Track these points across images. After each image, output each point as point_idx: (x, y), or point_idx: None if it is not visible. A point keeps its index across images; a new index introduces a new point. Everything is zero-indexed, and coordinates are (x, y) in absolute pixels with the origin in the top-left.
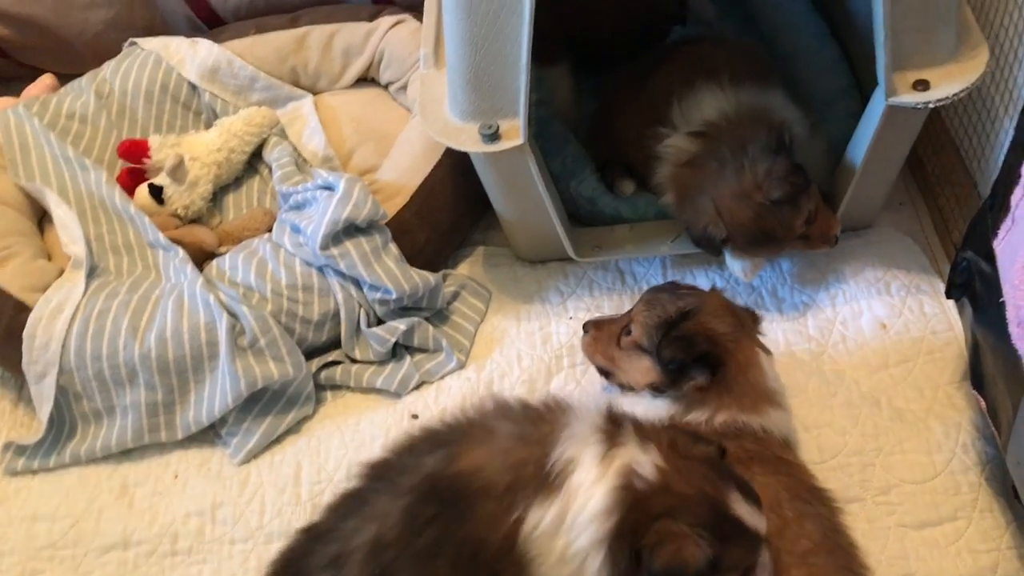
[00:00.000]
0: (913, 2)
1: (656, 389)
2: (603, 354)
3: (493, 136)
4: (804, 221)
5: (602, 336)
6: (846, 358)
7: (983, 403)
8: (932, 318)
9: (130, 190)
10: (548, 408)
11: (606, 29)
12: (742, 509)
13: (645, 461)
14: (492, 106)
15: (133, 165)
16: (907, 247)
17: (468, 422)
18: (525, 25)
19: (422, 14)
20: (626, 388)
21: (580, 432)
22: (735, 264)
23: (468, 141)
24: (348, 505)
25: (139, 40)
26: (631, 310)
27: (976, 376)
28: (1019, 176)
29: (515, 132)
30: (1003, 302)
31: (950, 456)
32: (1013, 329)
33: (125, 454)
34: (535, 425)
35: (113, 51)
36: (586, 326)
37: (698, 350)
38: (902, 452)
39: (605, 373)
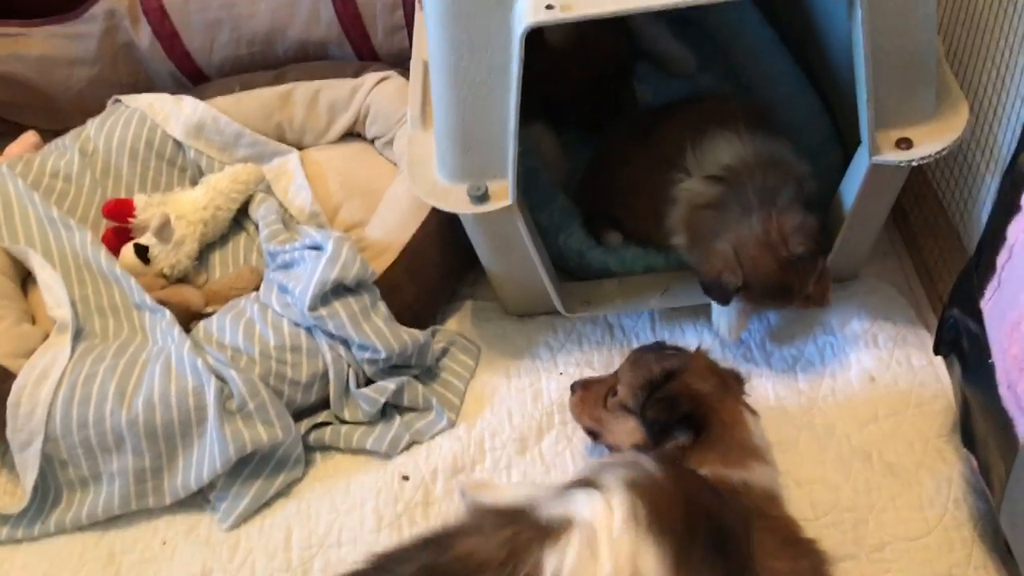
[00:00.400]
0: (894, 63)
1: (640, 449)
2: (590, 415)
3: (482, 197)
4: (815, 280)
5: (589, 397)
6: (836, 411)
7: (975, 462)
8: (920, 370)
9: (115, 250)
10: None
11: (566, 91)
12: None
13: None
14: (480, 167)
15: (118, 224)
16: (893, 298)
17: (457, 523)
18: (513, 89)
19: (407, 71)
20: (614, 448)
21: (560, 496)
22: (721, 322)
23: (457, 202)
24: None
25: (123, 97)
26: (618, 370)
27: (967, 434)
28: (1004, 238)
29: (504, 193)
30: (992, 363)
31: (942, 512)
32: (1003, 392)
33: (112, 521)
34: (517, 512)
35: (97, 107)
36: (573, 387)
37: (681, 411)
38: (895, 508)
39: (593, 434)
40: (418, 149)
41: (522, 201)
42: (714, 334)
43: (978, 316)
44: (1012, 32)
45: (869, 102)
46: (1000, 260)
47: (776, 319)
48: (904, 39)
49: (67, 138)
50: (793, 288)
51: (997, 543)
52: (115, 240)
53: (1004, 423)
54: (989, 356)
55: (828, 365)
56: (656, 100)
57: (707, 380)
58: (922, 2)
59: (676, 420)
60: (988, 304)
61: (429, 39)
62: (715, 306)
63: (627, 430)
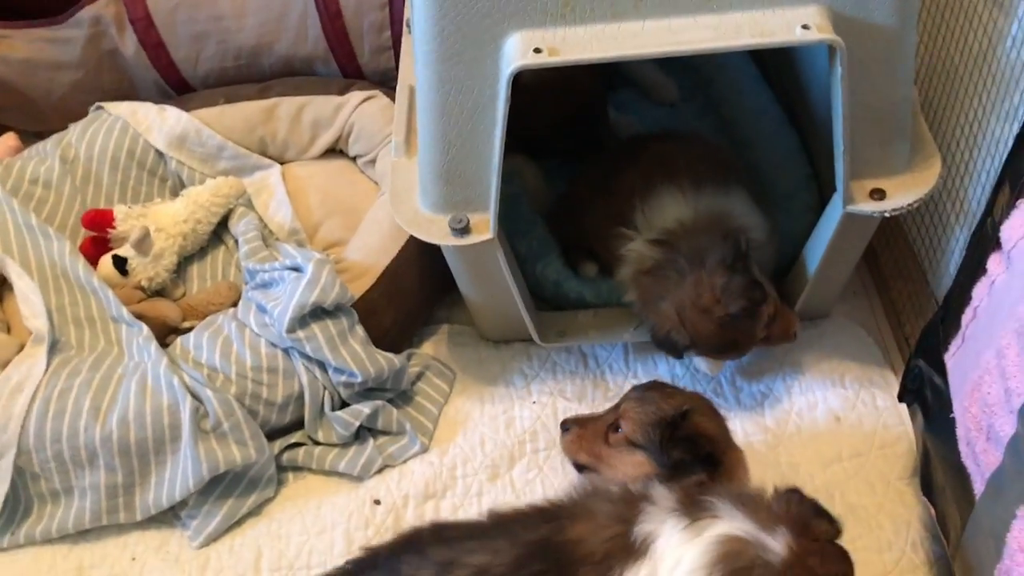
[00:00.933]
0: (871, 116)
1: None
2: (588, 452)
3: (463, 230)
4: (764, 326)
5: (587, 434)
6: (801, 450)
7: (933, 511)
8: (884, 412)
9: (93, 259)
10: (638, 492)
11: (542, 126)
12: None
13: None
14: (463, 200)
15: (97, 234)
16: (861, 339)
17: (574, 502)
18: (498, 125)
19: (393, 90)
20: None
21: (655, 510)
22: (700, 360)
23: (438, 233)
24: (471, 531)
25: (106, 104)
26: (616, 407)
27: (926, 483)
28: (970, 298)
29: (485, 226)
30: (953, 417)
31: (900, 555)
32: (962, 447)
33: (81, 535)
34: (627, 505)
35: (79, 112)
36: (566, 424)
37: (703, 451)
38: (855, 549)
39: (584, 468)
40: (401, 177)
41: (502, 233)
42: (685, 367)
43: (942, 369)
44: (986, 88)
45: (845, 153)
46: (965, 319)
47: (747, 356)
48: (881, 95)
49: (48, 143)
50: (740, 342)
51: None
52: (93, 250)
53: (962, 477)
54: (951, 411)
55: (795, 403)
56: (641, 126)
57: (714, 420)
58: (900, 61)
59: (698, 459)
60: (952, 359)
61: (418, 76)
62: None
63: (634, 463)
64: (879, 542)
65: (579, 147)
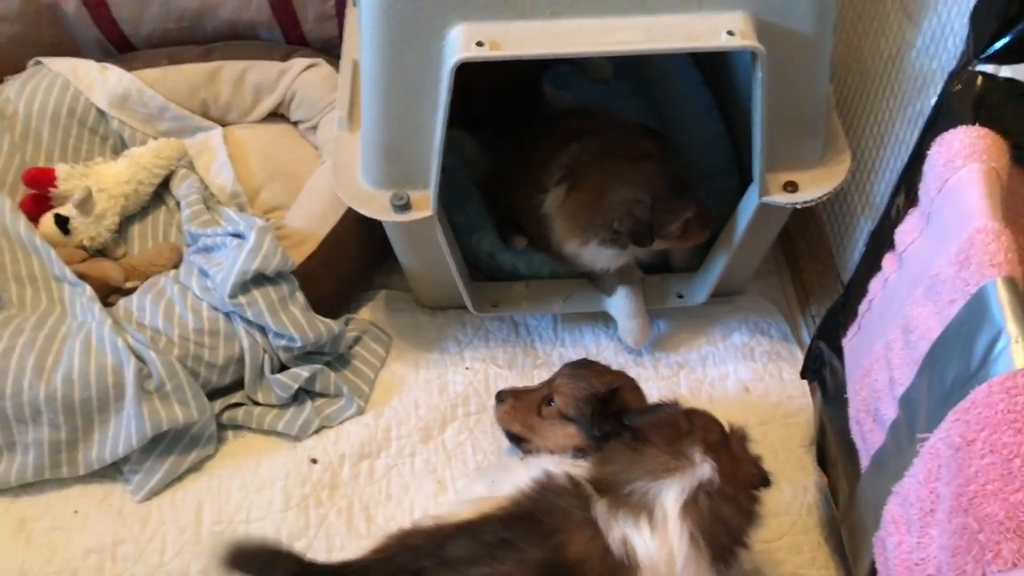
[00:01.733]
0: (788, 115)
1: (580, 451)
2: (522, 423)
3: (404, 206)
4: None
5: (521, 406)
6: None
7: (825, 480)
8: (789, 384)
9: (33, 217)
10: (576, 478)
11: (478, 100)
12: None
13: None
14: (404, 177)
15: (37, 192)
16: (772, 315)
17: (544, 502)
18: (440, 109)
19: (335, 58)
20: (539, 451)
21: (600, 505)
22: (627, 332)
23: (379, 209)
24: (478, 541)
25: (45, 60)
26: (550, 381)
27: (821, 454)
28: (867, 291)
29: (425, 203)
30: (847, 398)
31: (796, 518)
32: (853, 426)
33: (23, 488)
34: (580, 500)
35: (15, 65)
36: (501, 395)
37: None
38: None
39: (517, 439)
40: (344, 152)
41: (440, 208)
42: (609, 338)
43: (840, 352)
44: (895, 92)
45: (762, 148)
46: (862, 309)
47: (665, 327)
48: (798, 95)
49: None
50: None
51: (840, 548)
52: (34, 207)
53: (851, 452)
54: (845, 391)
55: (708, 374)
56: (575, 102)
57: (639, 397)
58: (816, 65)
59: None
60: (849, 344)
61: (363, 59)
62: (621, 317)
63: (565, 435)
64: (778, 505)
65: (514, 120)
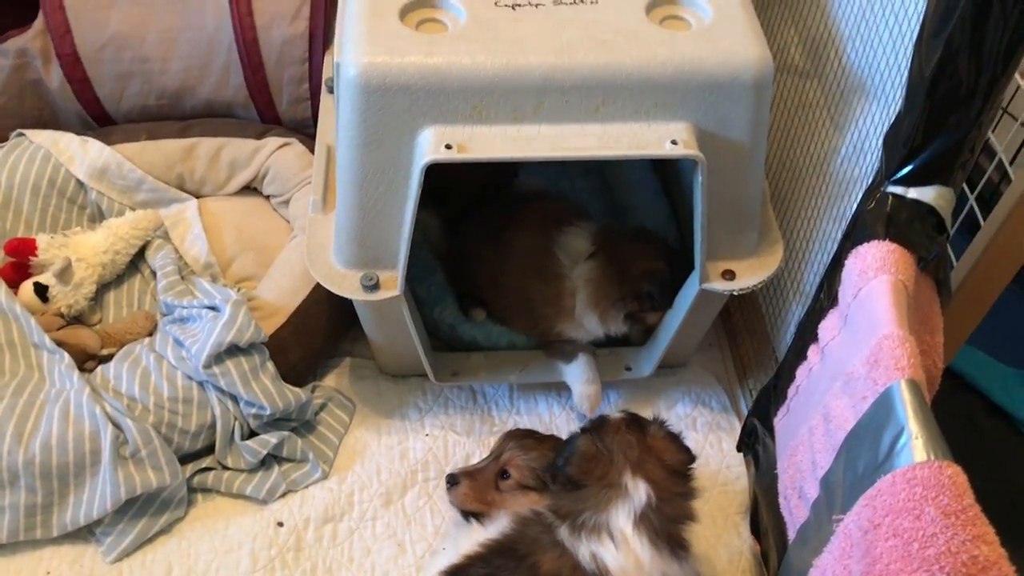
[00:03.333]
0: (725, 210)
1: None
2: (481, 500)
3: (373, 287)
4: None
5: (476, 485)
6: None
7: (758, 547)
8: (728, 453)
9: (12, 284)
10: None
11: (457, 196)
12: None
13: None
14: (374, 259)
15: (17, 260)
16: (712, 387)
17: (526, 536)
18: (410, 202)
19: (308, 138)
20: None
21: (563, 528)
22: (582, 400)
23: (350, 288)
24: None
25: (28, 132)
26: (496, 456)
27: (754, 523)
28: (794, 376)
29: (393, 283)
30: (777, 473)
31: None
32: (781, 500)
33: None
34: (544, 528)
35: None
36: (453, 478)
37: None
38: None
39: (475, 515)
40: (318, 233)
41: (407, 288)
42: (561, 406)
43: (771, 430)
44: (822, 192)
45: (702, 240)
46: (790, 392)
47: (615, 397)
48: (734, 194)
49: None
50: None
51: None
52: (13, 275)
53: (780, 524)
54: (775, 467)
55: None
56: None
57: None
58: (751, 168)
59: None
60: (779, 423)
61: (339, 152)
62: (577, 384)
63: (528, 501)
64: (715, 569)
65: (480, 201)
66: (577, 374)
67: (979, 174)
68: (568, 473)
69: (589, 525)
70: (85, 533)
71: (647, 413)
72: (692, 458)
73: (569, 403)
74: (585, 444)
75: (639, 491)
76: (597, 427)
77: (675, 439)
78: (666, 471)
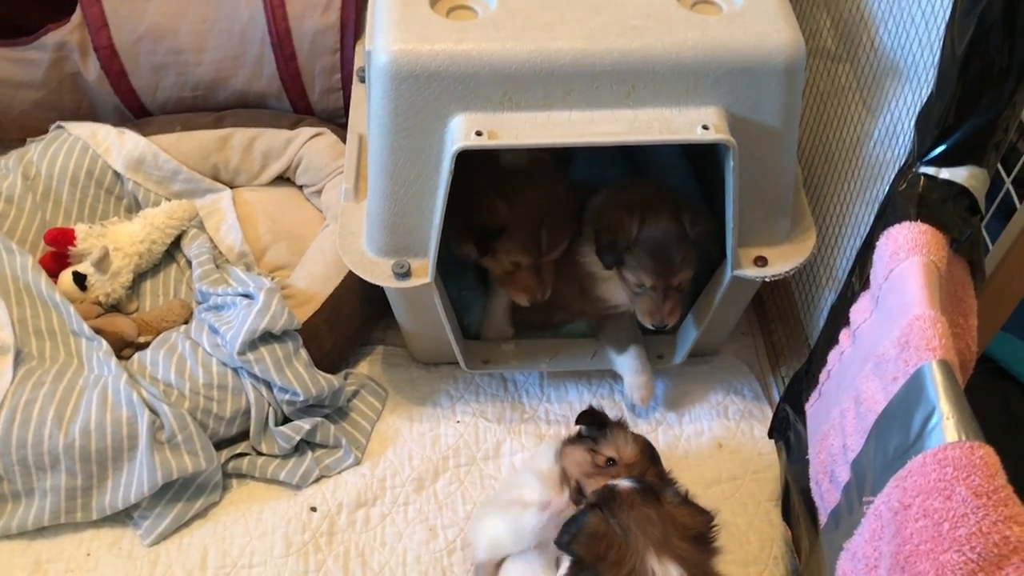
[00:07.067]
0: (757, 196)
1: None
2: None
3: (404, 274)
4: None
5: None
6: (687, 472)
7: (789, 533)
8: (759, 441)
9: (52, 273)
10: None
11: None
12: None
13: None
14: (405, 247)
15: (56, 250)
16: (744, 375)
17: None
18: (441, 188)
19: (340, 127)
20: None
21: None
22: (634, 387)
23: (381, 276)
24: None
25: (66, 124)
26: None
27: (785, 509)
28: (826, 361)
29: (424, 271)
30: (808, 459)
31: (763, 568)
32: (813, 485)
33: (39, 531)
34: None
35: (38, 128)
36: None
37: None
38: (725, 563)
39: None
40: (350, 221)
41: (438, 276)
42: (592, 393)
43: (803, 416)
44: (855, 177)
45: (734, 227)
46: (822, 377)
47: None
48: (766, 180)
49: (10, 160)
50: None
51: None
52: (53, 264)
53: (812, 509)
54: (807, 452)
55: (685, 431)
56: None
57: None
58: (783, 154)
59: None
60: (811, 409)
61: (371, 141)
62: (629, 374)
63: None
64: (746, 556)
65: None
66: (629, 364)
67: (1016, 157)
68: (575, 554)
69: None
70: (123, 517)
71: (678, 401)
72: (711, 516)
73: (599, 391)
74: (595, 521)
75: (670, 571)
76: (607, 500)
77: (689, 502)
78: (691, 542)
